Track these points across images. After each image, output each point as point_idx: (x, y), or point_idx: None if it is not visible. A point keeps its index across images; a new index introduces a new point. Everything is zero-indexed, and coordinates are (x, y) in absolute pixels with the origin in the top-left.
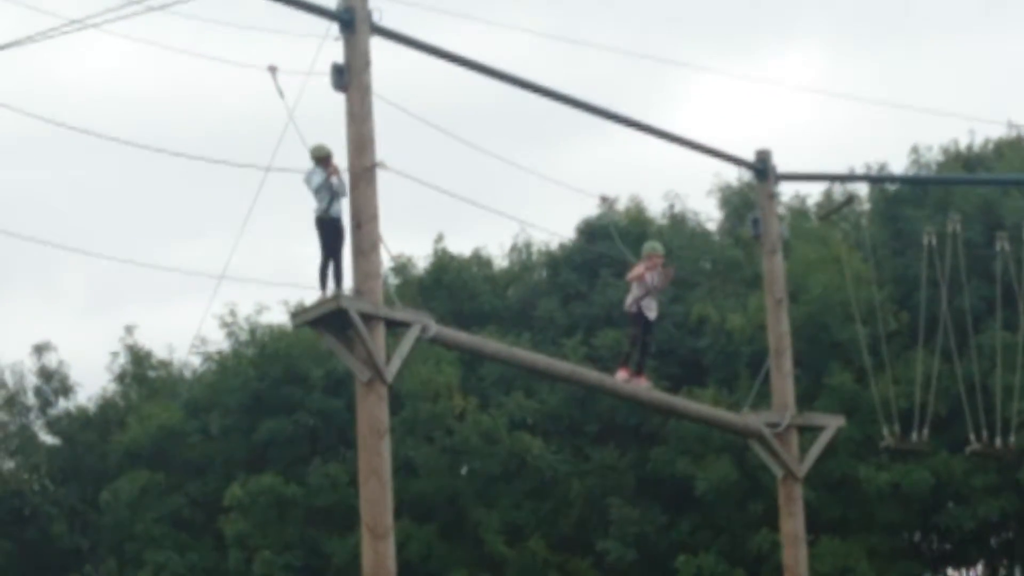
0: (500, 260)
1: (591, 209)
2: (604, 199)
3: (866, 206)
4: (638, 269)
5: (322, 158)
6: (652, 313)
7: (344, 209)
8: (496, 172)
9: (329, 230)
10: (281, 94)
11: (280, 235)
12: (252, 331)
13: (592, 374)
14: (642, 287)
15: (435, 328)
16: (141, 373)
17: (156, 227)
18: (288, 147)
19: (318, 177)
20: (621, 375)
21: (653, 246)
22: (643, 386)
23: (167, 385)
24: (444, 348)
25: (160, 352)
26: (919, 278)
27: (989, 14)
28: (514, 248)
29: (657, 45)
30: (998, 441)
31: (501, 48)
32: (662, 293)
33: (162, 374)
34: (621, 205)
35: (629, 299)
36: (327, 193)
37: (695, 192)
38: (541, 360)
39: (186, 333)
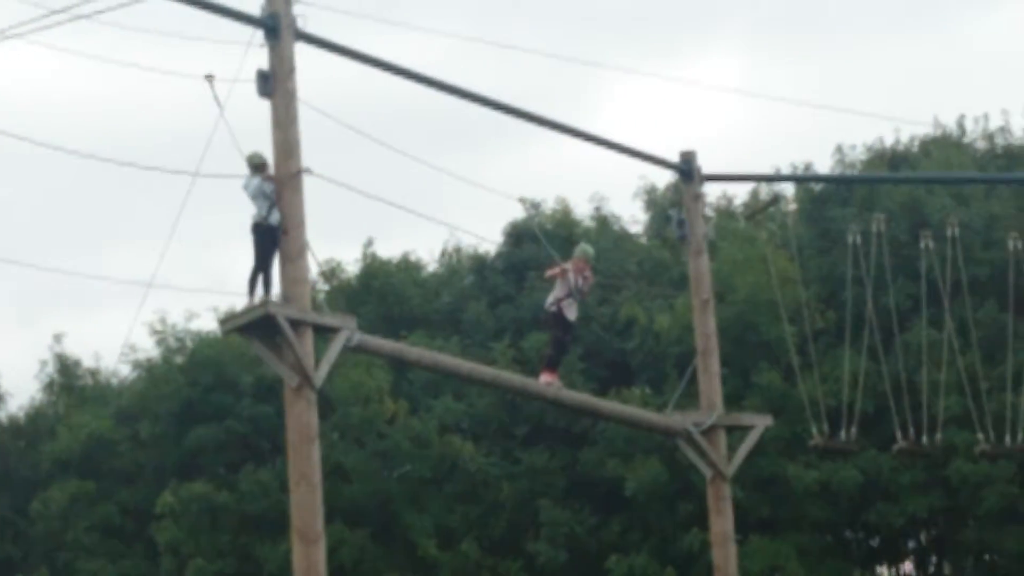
0: (429, 265)
1: (518, 213)
2: (523, 201)
3: (792, 206)
4: (558, 268)
5: (258, 165)
6: (572, 314)
7: None
8: (425, 177)
9: (265, 237)
10: (219, 103)
11: (210, 242)
12: (182, 338)
13: (515, 378)
14: (564, 288)
15: (359, 336)
16: (70, 382)
17: (85, 235)
18: (218, 154)
19: (255, 184)
20: (544, 378)
21: (584, 249)
22: (555, 385)
23: (96, 393)
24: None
25: (89, 360)
26: (845, 277)
27: (911, 14)
28: (444, 253)
29: (580, 48)
30: (925, 438)
31: (427, 53)
32: (584, 298)
33: (91, 382)
34: (547, 208)
35: (550, 299)
36: (265, 200)
37: (623, 195)
38: (465, 365)
39: (115, 341)
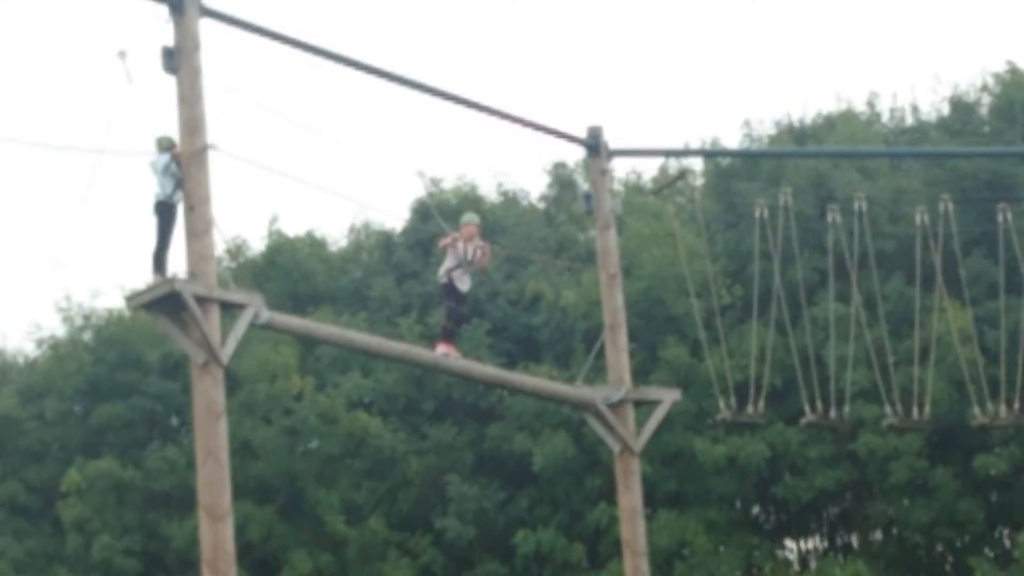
0: (336, 241)
1: (423, 189)
2: (422, 175)
3: (699, 180)
4: (449, 238)
5: (167, 148)
6: (464, 285)
7: None
8: (332, 154)
9: (167, 215)
10: (130, 78)
11: (116, 220)
12: (87, 316)
13: (425, 353)
14: (454, 259)
15: (267, 314)
16: None
17: None
18: (125, 131)
19: (163, 162)
20: (441, 348)
21: (470, 218)
22: (452, 356)
23: (1, 372)
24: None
25: None
26: (752, 251)
27: None
28: (352, 229)
29: (487, 21)
30: (833, 412)
31: (333, 29)
32: (482, 270)
33: None
34: (450, 184)
35: (441, 270)
36: (171, 178)
37: (531, 170)
38: (375, 341)
39: (20, 320)
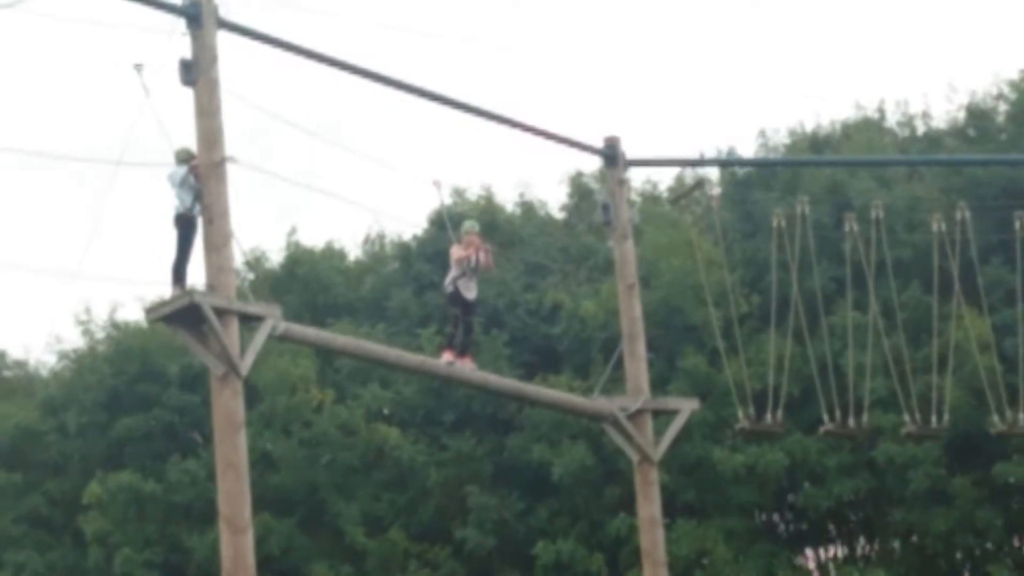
0: (354, 252)
1: (443, 199)
2: (436, 184)
3: (716, 190)
4: (458, 251)
5: (186, 160)
6: (471, 293)
7: None
8: (349, 165)
9: (187, 227)
10: (147, 92)
11: (135, 231)
12: (108, 328)
13: (442, 365)
14: (459, 267)
15: (284, 325)
16: None
17: (10, 226)
18: (143, 144)
19: (181, 175)
20: (446, 357)
21: (471, 225)
22: (468, 367)
23: (23, 384)
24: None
25: (15, 352)
26: (769, 260)
27: None
28: (367, 240)
29: (504, 34)
30: (851, 421)
31: (350, 41)
32: (486, 273)
33: (18, 373)
34: (472, 195)
35: (447, 279)
36: (190, 191)
37: (549, 180)
38: (392, 353)
39: (41, 332)
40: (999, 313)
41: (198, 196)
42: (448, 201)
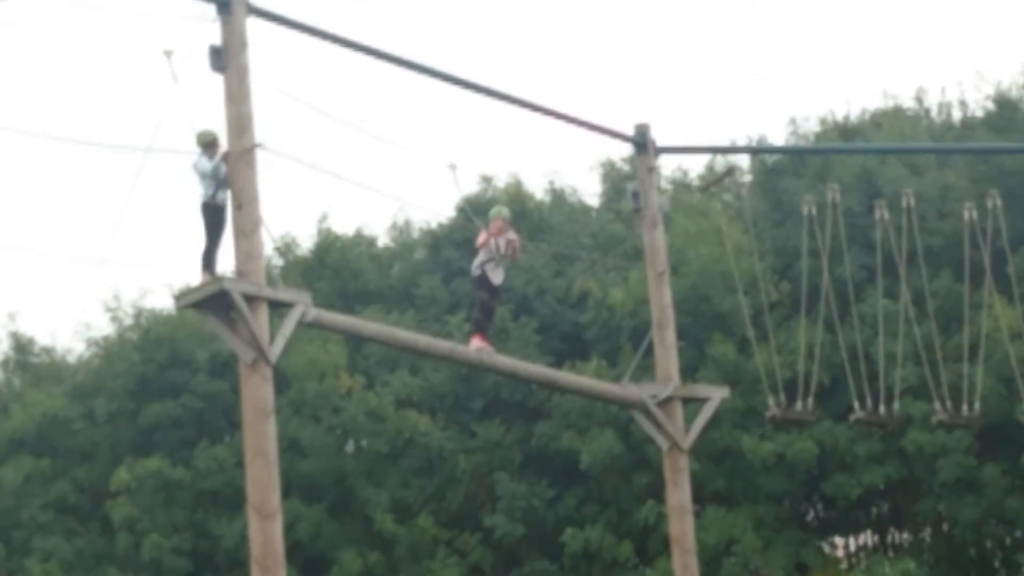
0: (383, 239)
1: (471, 187)
2: (452, 167)
3: (746, 178)
4: (484, 236)
5: (209, 144)
6: (497, 278)
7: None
8: (379, 152)
9: (214, 216)
10: (175, 78)
11: (164, 219)
12: (136, 315)
13: (472, 352)
14: (487, 252)
15: (314, 312)
16: (24, 360)
17: (39, 213)
18: (172, 130)
19: (205, 163)
20: (475, 343)
21: (499, 211)
22: (486, 350)
23: (51, 371)
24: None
25: (43, 339)
26: (799, 248)
27: None
28: (394, 226)
29: (535, 21)
30: (881, 409)
31: (380, 27)
32: (514, 262)
33: (46, 360)
34: (500, 182)
35: (475, 263)
36: (213, 179)
37: (579, 168)
38: (421, 340)
39: (70, 319)
40: None
41: (221, 183)
42: (466, 186)
